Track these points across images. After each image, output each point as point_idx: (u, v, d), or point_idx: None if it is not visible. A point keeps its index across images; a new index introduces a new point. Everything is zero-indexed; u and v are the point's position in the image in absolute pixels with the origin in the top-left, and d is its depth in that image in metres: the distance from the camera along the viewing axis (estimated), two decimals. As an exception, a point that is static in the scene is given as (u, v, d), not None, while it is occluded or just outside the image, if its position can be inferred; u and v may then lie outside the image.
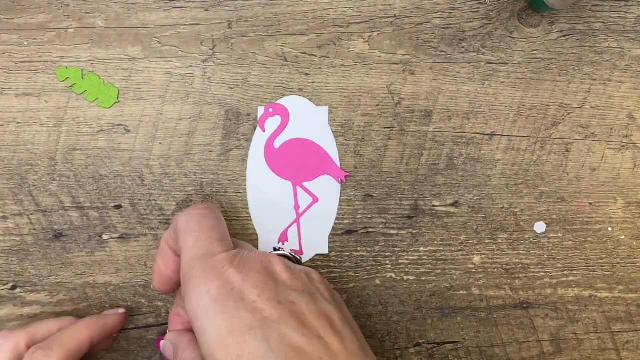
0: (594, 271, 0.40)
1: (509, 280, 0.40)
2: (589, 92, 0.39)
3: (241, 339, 0.25)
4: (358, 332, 0.30)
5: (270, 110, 0.38)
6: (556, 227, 0.39)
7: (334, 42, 0.38)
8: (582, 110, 0.39)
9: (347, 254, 0.39)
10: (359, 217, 0.39)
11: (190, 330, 0.33)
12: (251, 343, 0.25)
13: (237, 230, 0.39)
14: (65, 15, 0.38)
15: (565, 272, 0.40)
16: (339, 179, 0.38)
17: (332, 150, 0.38)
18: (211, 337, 0.26)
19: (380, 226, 0.39)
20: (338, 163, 0.38)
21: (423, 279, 0.39)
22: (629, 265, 0.40)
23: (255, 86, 0.38)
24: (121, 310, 0.38)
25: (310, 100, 0.38)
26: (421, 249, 0.39)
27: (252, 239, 0.38)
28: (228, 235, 0.32)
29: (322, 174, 0.38)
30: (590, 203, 0.40)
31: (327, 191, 0.38)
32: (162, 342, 0.34)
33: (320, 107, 0.38)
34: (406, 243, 0.39)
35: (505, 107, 0.39)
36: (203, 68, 0.38)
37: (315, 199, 0.38)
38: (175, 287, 0.34)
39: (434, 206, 0.39)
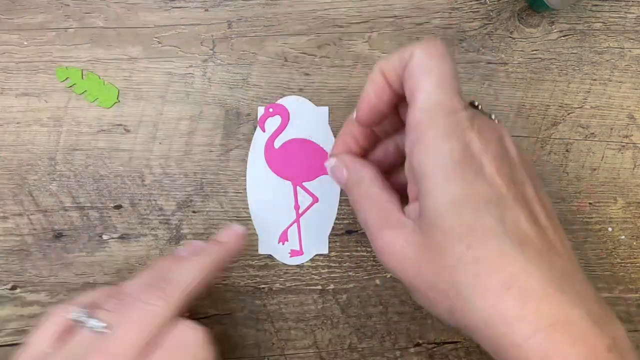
0: (594, 271, 0.40)
1: (509, 280, 0.40)
2: (589, 92, 0.39)
3: (477, 211, 0.24)
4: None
5: (270, 110, 0.38)
6: (556, 227, 0.39)
7: (334, 42, 0.38)
8: (582, 110, 0.39)
9: (347, 254, 0.39)
10: (359, 217, 0.39)
11: (367, 163, 0.31)
12: (486, 218, 0.24)
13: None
14: (65, 15, 0.38)
15: (565, 272, 0.40)
16: (339, 179, 0.38)
17: (332, 150, 0.38)
18: (444, 200, 0.25)
19: (380, 226, 0.39)
20: (338, 163, 0.38)
21: (423, 279, 0.39)
22: (629, 265, 0.40)
23: (255, 86, 0.38)
24: (239, 229, 0.34)
25: (310, 100, 0.38)
26: (421, 249, 0.39)
27: (252, 239, 0.38)
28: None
29: (322, 174, 0.38)
30: (590, 203, 0.40)
31: (327, 191, 0.38)
32: (333, 162, 0.32)
33: (320, 107, 0.38)
34: (406, 243, 0.39)
35: (505, 107, 0.39)
36: (203, 68, 0.38)
37: (315, 199, 0.38)
38: (380, 120, 0.31)
39: (434, 206, 0.39)
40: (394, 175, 0.33)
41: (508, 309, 0.23)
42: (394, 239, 0.27)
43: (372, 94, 0.29)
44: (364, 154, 0.33)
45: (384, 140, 0.33)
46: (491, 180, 0.25)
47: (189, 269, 0.30)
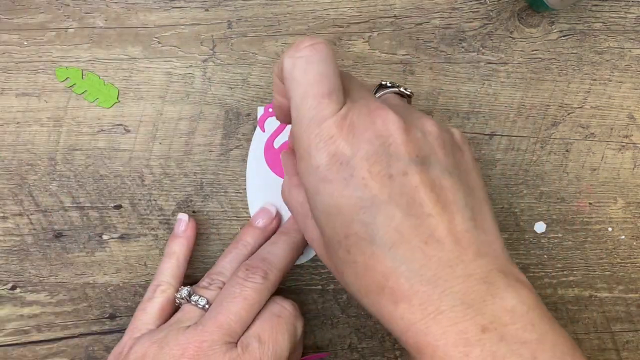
0: (594, 271, 0.40)
1: (509, 280, 0.40)
2: (589, 92, 0.39)
3: (349, 219, 0.25)
4: (480, 205, 0.26)
5: (270, 110, 0.38)
6: (556, 227, 0.39)
7: (334, 42, 0.38)
8: (582, 110, 0.39)
9: (347, 254, 0.39)
10: (359, 217, 0.39)
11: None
12: (358, 224, 0.24)
13: (238, 230, 0.39)
14: (65, 15, 0.38)
15: (565, 272, 0.40)
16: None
17: (332, 150, 0.38)
18: (320, 214, 0.26)
19: (380, 226, 0.39)
20: (338, 163, 0.38)
21: (423, 279, 0.39)
22: (629, 265, 0.40)
23: (255, 86, 0.38)
24: None
25: (310, 100, 0.38)
26: (421, 249, 0.39)
27: (252, 239, 0.38)
28: (338, 81, 0.26)
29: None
30: (590, 203, 0.40)
31: (327, 191, 0.38)
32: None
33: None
34: (406, 243, 0.39)
35: (505, 107, 0.39)
36: (203, 68, 0.38)
37: (315, 199, 0.38)
38: None
39: (434, 206, 0.39)
40: None
41: (385, 307, 0.24)
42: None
43: (279, 99, 0.29)
44: None
45: None
46: (361, 184, 0.24)
47: (284, 249, 0.34)
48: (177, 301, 0.34)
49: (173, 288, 0.34)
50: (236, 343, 0.30)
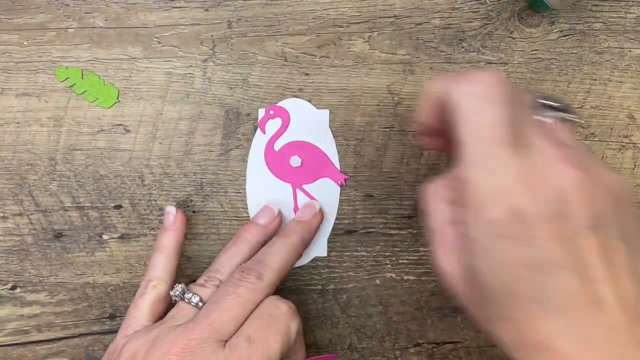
0: (594, 271, 0.40)
1: (509, 280, 0.40)
2: (589, 92, 0.39)
3: (517, 277, 0.23)
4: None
5: (271, 112, 0.38)
6: (556, 227, 0.39)
7: (334, 42, 0.38)
8: (582, 110, 0.39)
9: (348, 254, 0.39)
10: (359, 217, 0.39)
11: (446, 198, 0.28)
12: (527, 284, 0.24)
13: (237, 230, 0.39)
14: (65, 15, 0.38)
15: (565, 272, 0.40)
16: (339, 182, 0.38)
17: (332, 153, 0.38)
18: (487, 268, 0.24)
19: (381, 226, 0.39)
20: (338, 166, 0.38)
21: (423, 278, 0.39)
22: (629, 265, 0.40)
23: (255, 86, 0.38)
24: (316, 206, 0.38)
25: (310, 100, 0.38)
26: (421, 249, 0.39)
27: (252, 239, 0.38)
28: (517, 124, 0.24)
29: (322, 177, 0.38)
30: (590, 203, 0.39)
31: (327, 194, 0.38)
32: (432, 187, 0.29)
33: (321, 110, 0.38)
34: (406, 243, 0.39)
35: (505, 107, 0.39)
36: (203, 68, 0.38)
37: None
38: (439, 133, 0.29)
39: (434, 206, 0.39)
40: None
41: None
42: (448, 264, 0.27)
43: (422, 113, 0.28)
44: None
45: None
46: (538, 244, 0.23)
47: (282, 252, 0.34)
48: (173, 299, 0.34)
49: (165, 283, 0.34)
50: (226, 342, 0.30)
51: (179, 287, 0.33)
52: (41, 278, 0.38)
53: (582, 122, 0.29)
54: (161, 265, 0.35)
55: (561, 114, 0.28)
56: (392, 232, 0.39)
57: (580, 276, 0.24)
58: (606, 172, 0.25)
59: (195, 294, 0.32)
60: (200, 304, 0.32)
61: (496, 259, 0.24)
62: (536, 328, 0.24)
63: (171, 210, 0.36)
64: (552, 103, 0.28)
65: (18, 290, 0.38)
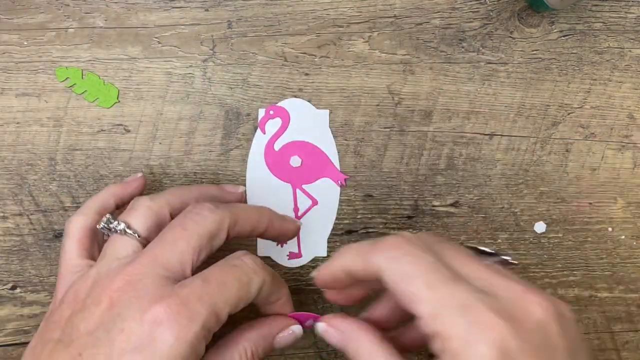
0: (594, 271, 0.40)
1: (509, 280, 0.40)
2: (589, 92, 0.39)
3: None
4: None
5: (271, 112, 0.38)
6: (556, 227, 0.39)
7: (334, 42, 0.38)
8: (582, 110, 0.39)
9: (347, 254, 0.39)
10: (359, 217, 0.39)
11: (361, 325, 0.28)
12: None
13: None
14: (65, 15, 0.38)
15: (565, 272, 0.40)
16: (339, 182, 0.38)
17: (332, 153, 0.38)
18: None
19: (381, 226, 0.39)
20: (338, 166, 0.38)
21: (423, 279, 0.39)
22: (629, 265, 0.40)
23: (255, 86, 0.38)
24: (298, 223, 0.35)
25: (310, 100, 0.38)
26: (421, 249, 0.39)
27: (252, 241, 0.38)
28: (449, 262, 0.25)
29: (322, 177, 0.38)
30: (590, 203, 0.40)
31: (327, 194, 0.38)
32: (323, 327, 0.29)
33: (321, 110, 0.38)
34: (406, 243, 0.39)
35: (505, 107, 0.39)
36: (203, 68, 0.38)
37: (315, 202, 0.38)
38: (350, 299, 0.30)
39: (434, 206, 0.39)
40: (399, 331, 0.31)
41: None
42: None
43: (329, 281, 0.28)
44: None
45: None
46: None
47: (243, 206, 0.33)
48: (101, 231, 0.31)
49: (88, 217, 0.31)
50: (175, 280, 0.27)
51: (104, 218, 0.30)
52: (41, 278, 0.38)
53: (519, 265, 0.30)
54: (90, 202, 0.33)
55: (501, 258, 0.28)
56: (392, 232, 0.39)
57: None
58: (561, 303, 0.25)
59: (121, 222, 0.29)
60: (129, 231, 0.29)
61: None
62: None
63: (138, 174, 0.35)
64: (487, 250, 0.29)
65: (18, 290, 0.38)
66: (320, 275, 0.29)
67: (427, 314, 0.23)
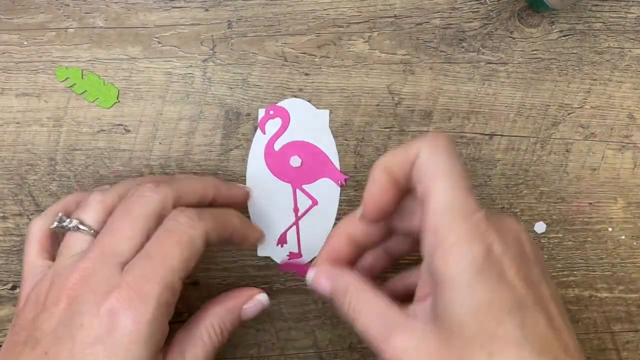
0: (594, 271, 0.40)
1: (509, 281, 0.40)
2: (589, 92, 0.39)
3: (499, 318, 0.24)
4: None
5: (271, 112, 0.38)
6: (556, 227, 0.39)
7: (334, 42, 0.38)
8: (582, 110, 0.39)
9: (347, 254, 0.39)
10: (359, 217, 0.39)
11: (350, 270, 0.29)
12: (508, 324, 0.24)
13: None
14: (65, 15, 0.38)
15: (565, 272, 0.40)
16: (339, 182, 0.38)
17: (332, 153, 0.38)
18: (467, 307, 0.24)
19: (380, 226, 0.39)
20: (338, 166, 0.38)
21: (423, 279, 0.39)
22: (629, 265, 0.40)
23: (255, 86, 0.38)
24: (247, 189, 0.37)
25: (310, 100, 0.38)
26: (421, 249, 0.39)
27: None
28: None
29: (322, 177, 0.38)
30: (590, 203, 0.40)
31: (327, 194, 0.38)
32: (312, 273, 0.30)
33: (321, 110, 0.38)
34: (406, 243, 0.39)
35: (505, 107, 0.39)
36: (203, 68, 0.38)
37: (315, 202, 0.38)
38: (387, 217, 0.30)
39: (434, 206, 0.39)
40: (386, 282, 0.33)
41: None
42: (407, 345, 0.25)
43: (377, 193, 0.29)
44: (350, 264, 0.32)
45: (371, 249, 0.33)
46: (512, 284, 0.24)
47: (189, 179, 0.33)
48: (55, 230, 0.31)
49: (48, 218, 0.31)
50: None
51: (56, 217, 0.30)
52: (41, 278, 0.38)
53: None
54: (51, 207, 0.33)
55: None
56: (392, 232, 0.39)
57: (548, 320, 0.24)
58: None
59: (74, 219, 0.30)
60: (82, 227, 0.29)
61: (480, 298, 0.24)
62: None
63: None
64: None
65: (18, 290, 0.38)
66: (367, 193, 0.29)
67: (439, 209, 0.25)
